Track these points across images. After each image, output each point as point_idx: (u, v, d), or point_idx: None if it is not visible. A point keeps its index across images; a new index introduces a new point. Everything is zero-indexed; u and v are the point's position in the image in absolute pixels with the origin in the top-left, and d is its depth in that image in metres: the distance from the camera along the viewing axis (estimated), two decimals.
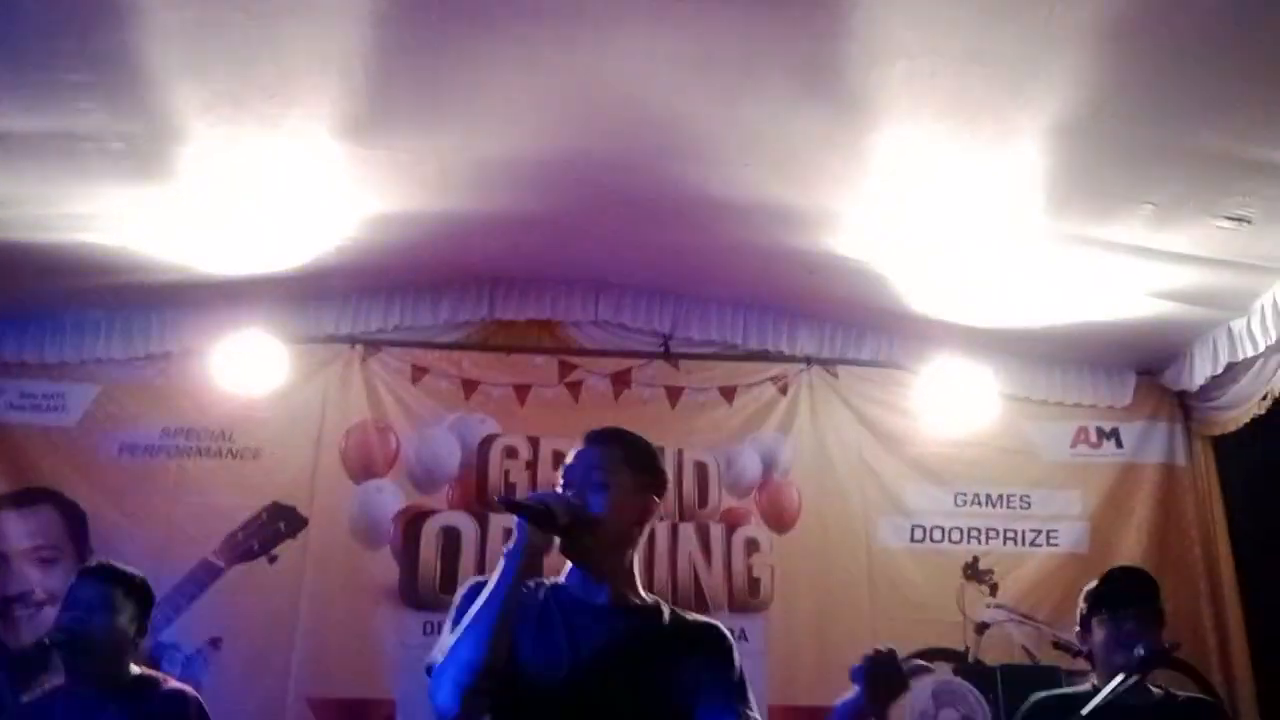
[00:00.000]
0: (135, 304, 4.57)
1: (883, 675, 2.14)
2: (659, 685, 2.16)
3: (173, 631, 4.35)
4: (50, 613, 3.74)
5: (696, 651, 2.21)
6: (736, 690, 2.19)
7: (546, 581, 2.25)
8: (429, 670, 2.14)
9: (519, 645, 2.14)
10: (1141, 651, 2.86)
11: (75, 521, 4.46)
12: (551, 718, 2.13)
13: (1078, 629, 3.20)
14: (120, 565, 3.07)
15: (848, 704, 2.15)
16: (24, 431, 4.56)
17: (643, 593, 2.30)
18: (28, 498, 4.48)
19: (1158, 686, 3.14)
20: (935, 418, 4.82)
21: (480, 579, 2.22)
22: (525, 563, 2.11)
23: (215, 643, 4.40)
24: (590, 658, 2.15)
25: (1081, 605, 3.17)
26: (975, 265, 4.11)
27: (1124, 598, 3.09)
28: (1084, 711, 2.64)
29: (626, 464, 2.27)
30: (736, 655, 2.24)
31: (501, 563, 2.12)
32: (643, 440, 2.35)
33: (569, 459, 2.29)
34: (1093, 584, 3.13)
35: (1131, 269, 3.90)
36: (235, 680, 4.33)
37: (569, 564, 2.26)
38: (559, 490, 2.25)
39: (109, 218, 3.82)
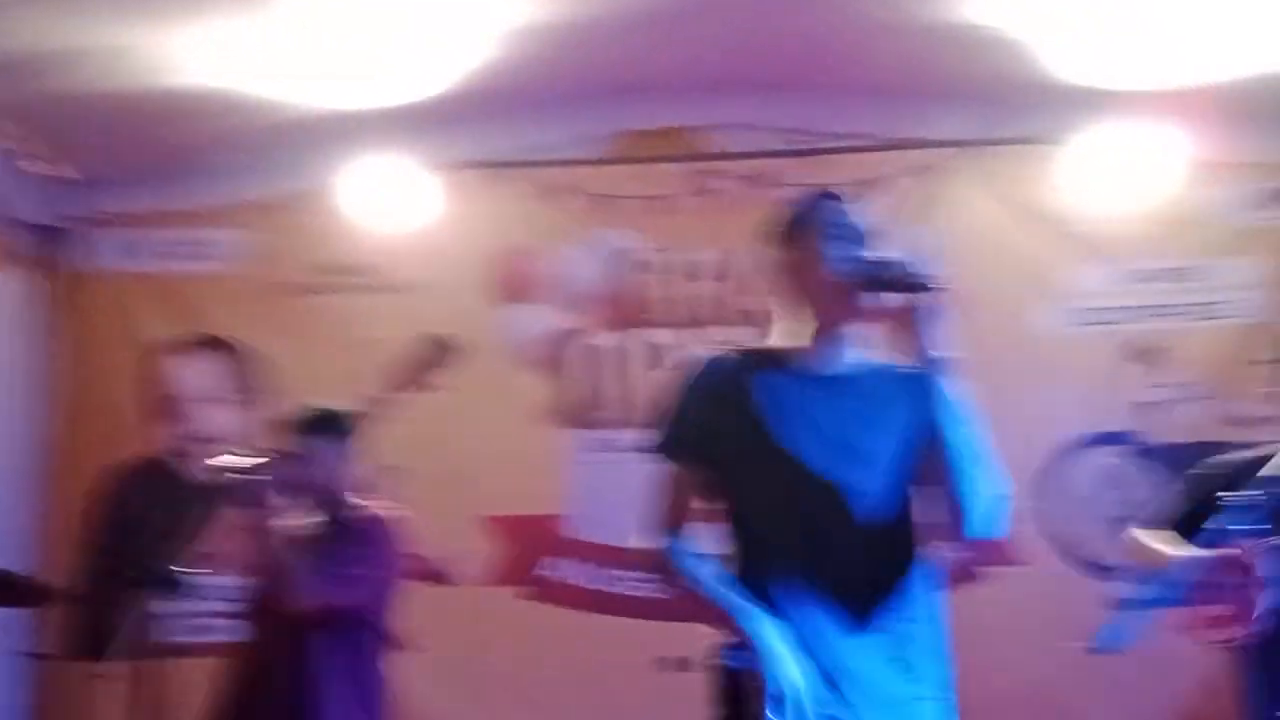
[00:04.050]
0: (270, 145, 4.57)
1: None
2: None
3: None
4: (219, 448, 3.79)
5: None
6: None
7: None
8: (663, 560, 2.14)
9: None
10: None
11: (240, 363, 4.62)
12: None
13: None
14: (339, 409, 3.20)
15: None
16: (180, 279, 4.70)
17: None
18: (193, 343, 4.65)
19: None
20: (1093, 191, 4.52)
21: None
22: None
23: (389, 469, 4.54)
24: None
25: None
26: (1128, 18, 3.84)
27: None
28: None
29: None
30: None
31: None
32: None
33: None
34: None
35: None
36: (414, 502, 4.48)
37: None
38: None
39: (232, 60, 3.83)
